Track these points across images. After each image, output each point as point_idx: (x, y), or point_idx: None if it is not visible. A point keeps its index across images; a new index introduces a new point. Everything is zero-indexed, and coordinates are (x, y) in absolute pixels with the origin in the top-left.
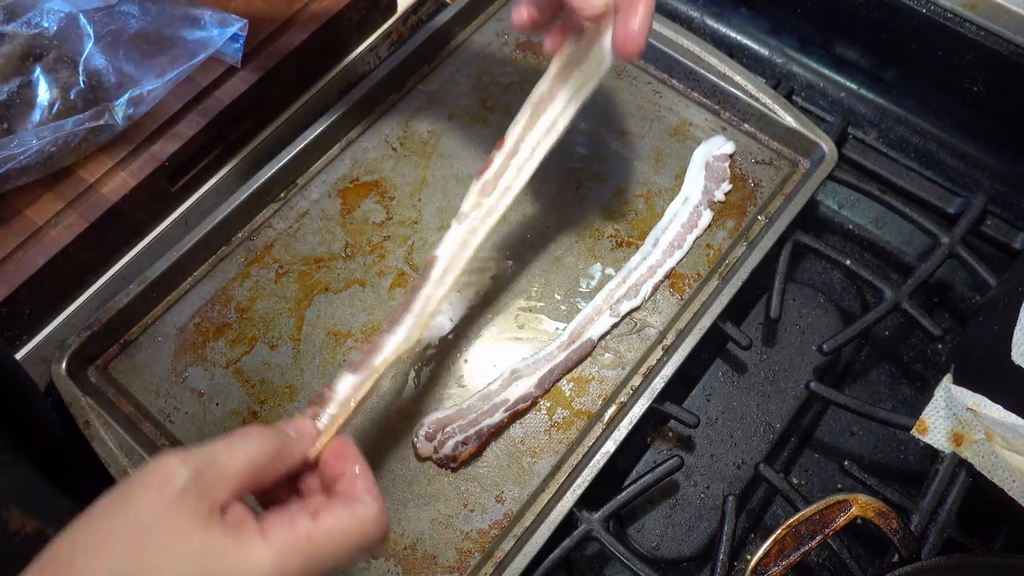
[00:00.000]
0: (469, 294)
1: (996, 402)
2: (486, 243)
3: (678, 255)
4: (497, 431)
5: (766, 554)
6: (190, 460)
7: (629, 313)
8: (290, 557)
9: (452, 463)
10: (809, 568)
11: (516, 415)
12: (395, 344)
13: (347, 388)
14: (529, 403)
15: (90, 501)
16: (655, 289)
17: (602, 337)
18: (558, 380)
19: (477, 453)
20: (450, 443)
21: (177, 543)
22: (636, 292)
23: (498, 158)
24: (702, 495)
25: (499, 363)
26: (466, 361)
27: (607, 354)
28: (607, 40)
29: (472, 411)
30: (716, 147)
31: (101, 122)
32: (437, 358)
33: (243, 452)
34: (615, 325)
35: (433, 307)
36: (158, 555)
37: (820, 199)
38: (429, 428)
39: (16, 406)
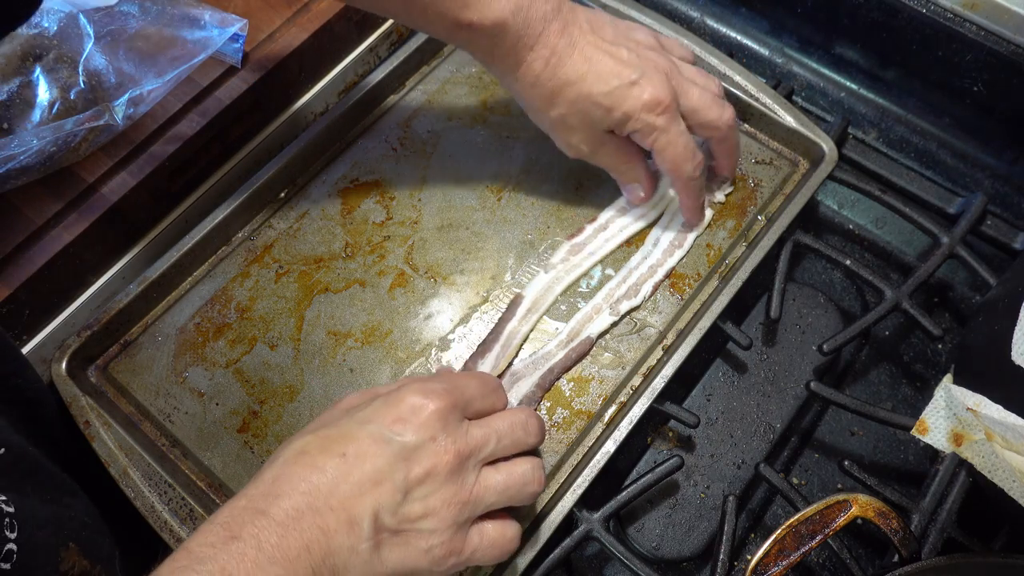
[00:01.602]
0: (469, 294)
1: (996, 402)
2: (565, 290)
3: (678, 255)
4: None
5: (766, 554)
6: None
7: (629, 312)
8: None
9: None
10: (809, 568)
11: None
12: (487, 369)
13: None
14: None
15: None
16: (655, 289)
17: (601, 336)
18: (558, 379)
19: None
20: None
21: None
22: (636, 292)
23: (589, 228)
24: (702, 495)
25: None
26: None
27: (607, 354)
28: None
29: None
30: None
31: (101, 122)
32: (438, 358)
33: None
34: (614, 324)
35: (519, 341)
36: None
37: (820, 199)
38: None
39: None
